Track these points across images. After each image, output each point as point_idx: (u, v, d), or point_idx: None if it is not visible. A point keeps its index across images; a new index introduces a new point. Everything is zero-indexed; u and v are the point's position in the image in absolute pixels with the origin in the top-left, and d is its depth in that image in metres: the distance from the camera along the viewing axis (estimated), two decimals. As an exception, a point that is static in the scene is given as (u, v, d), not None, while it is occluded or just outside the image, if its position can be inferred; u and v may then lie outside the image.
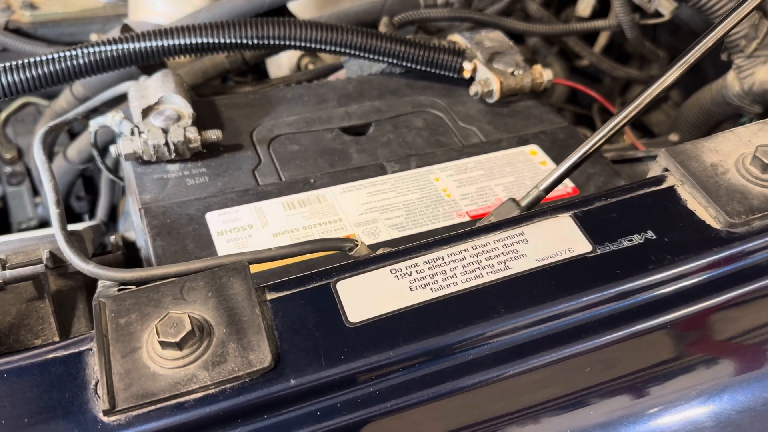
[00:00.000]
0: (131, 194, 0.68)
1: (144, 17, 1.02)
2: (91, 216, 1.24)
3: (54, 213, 0.54)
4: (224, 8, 0.89)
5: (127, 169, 0.70)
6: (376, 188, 0.71)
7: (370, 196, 0.70)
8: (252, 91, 0.87)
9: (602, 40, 1.27)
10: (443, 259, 0.50)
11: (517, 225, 0.52)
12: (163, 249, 0.61)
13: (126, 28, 0.89)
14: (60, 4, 1.25)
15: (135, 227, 0.67)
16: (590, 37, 1.30)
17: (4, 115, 1.21)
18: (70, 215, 1.25)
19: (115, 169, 0.92)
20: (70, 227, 0.61)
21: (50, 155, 1.10)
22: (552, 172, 0.57)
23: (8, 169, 1.26)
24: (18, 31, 1.19)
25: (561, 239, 0.50)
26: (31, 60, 0.71)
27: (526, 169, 0.75)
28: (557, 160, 0.76)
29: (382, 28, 0.88)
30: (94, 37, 1.14)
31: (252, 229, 0.65)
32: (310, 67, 1.05)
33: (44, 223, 1.29)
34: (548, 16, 1.14)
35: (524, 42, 1.28)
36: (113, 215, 1.18)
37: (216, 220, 0.65)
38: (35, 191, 1.29)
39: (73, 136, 1.20)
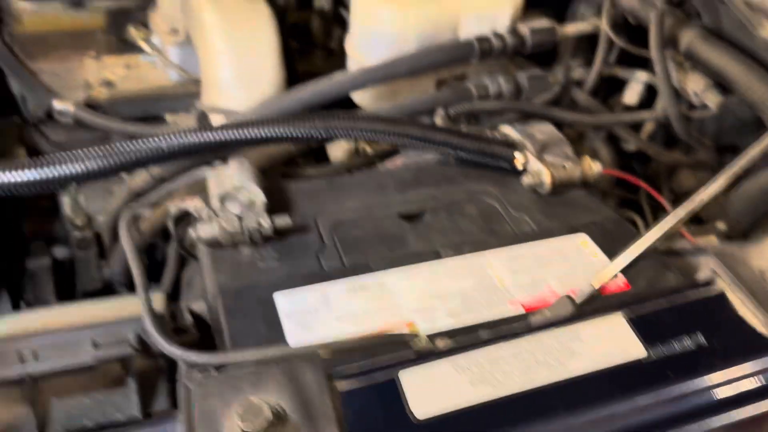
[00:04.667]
0: (206, 276, 0.73)
1: (216, 101, 1.10)
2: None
3: (144, 301, 0.60)
4: (293, 99, 0.96)
5: (203, 251, 0.75)
6: (432, 275, 0.75)
7: (426, 282, 0.74)
8: (316, 175, 0.93)
9: (648, 126, 1.30)
10: (501, 354, 0.53)
11: (571, 323, 0.55)
12: (237, 329, 0.65)
13: (203, 116, 0.96)
14: (135, 82, 1.34)
15: (208, 306, 0.72)
16: (637, 121, 1.34)
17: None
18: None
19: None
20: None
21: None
22: (606, 269, 0.61)
23: (78, 234, 1.33)
24: (95, 107, 1.27)
25: (615, 340, 0.53)
26: (117, 147, 0.77)
27: (577, 259, 0.78)
28: (606, 250, 0.78)
29: (438, 120, 0.93)
30: (169, 118, 1.22)
31: (317, 312, 0.69)
32: (367, 149, 1.11)
33: (108, 285, 1.35)
34: (596, 104, 1.19)
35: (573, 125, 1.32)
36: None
37: (283, 302, 0.69)
38: (101, 254, 1.35)
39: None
